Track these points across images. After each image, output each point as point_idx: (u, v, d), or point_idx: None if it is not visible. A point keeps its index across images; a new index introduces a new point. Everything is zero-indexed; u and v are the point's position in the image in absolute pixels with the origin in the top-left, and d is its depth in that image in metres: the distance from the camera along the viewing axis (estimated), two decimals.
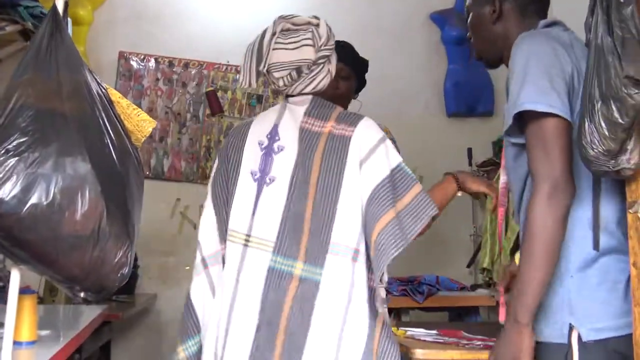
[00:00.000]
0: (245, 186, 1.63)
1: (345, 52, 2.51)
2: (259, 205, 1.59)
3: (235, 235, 1.60)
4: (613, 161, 1.25)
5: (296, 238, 1.54)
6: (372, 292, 1.55)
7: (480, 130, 4.11)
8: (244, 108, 3.84)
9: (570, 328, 1.38)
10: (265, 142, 1.66)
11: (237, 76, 1.57)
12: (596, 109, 1.23)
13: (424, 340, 1.89)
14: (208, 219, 1.69)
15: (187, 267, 3.65)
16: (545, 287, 1.38)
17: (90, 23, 3.74)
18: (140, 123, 1.45)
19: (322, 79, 1.66)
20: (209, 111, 3.73)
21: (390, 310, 3.02)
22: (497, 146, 3.91)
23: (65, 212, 1.27)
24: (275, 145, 1.64)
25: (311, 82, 1.65)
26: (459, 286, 3.21)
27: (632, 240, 1.30)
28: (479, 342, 1.80)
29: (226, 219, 1.64)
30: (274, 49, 1.64)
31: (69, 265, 1.34)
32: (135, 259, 3.52)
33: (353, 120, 1.62)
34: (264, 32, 1.67)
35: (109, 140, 1.34)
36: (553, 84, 1.37)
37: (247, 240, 1.58)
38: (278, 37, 1.65)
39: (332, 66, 1.69)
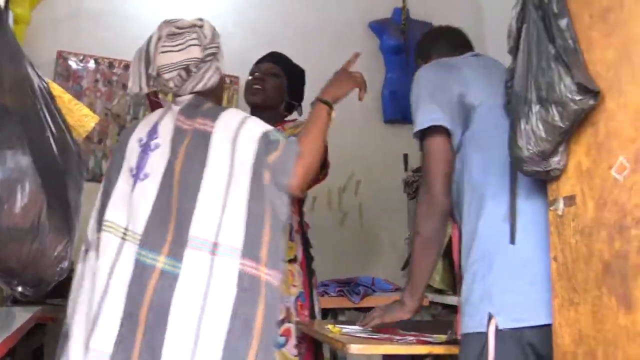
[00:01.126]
0: (124, 181, 1.68)
1: (273, 55, 2.64)
2: (133, 199, 1.64)
3: (114, 226, 1.63)
4: (545, 162, 1.35)
5: (162, 232, 1.58)
6: (247, 279, 1.54)
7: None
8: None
9: (489, 317, 1.48)
10: (144, 140, 1.72)
11: (129, 85, 1.64)
12: (533, 111, 1.31)
13: (359, 337, 1.94)
14: (94, 212, 1.74)
15: None
16: (426, 279, 1.71)
17: (28, 22, 3.64)
18: (82, 118, 1.46)
19: (211, 76, 1.75)
20: (149, 113, 3.70)
21: (327, 311, 3.09)
22: None
23: (5, 205, 1.27)
24: (152, 143, 1.70)
25: (200, 80, 1.73)
26: (394, 287, 3.29)
27: (552, 236, 1.39)
28: (412, 338, 1.86)
29: (104, 210, 1.67)
30: (161, 52, 1.71)
31: (7, 258, 1.34)
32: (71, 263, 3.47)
33: (215, 114, 1.68)
34: (150, 37, 1.75)
35: (50, 134, 1.34)
36: (434, 101, 1.66)
37: (124, 234, 1.62)
38: (165, 41, 1.73)
39: (221, 64, 1.77)
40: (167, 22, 1.78)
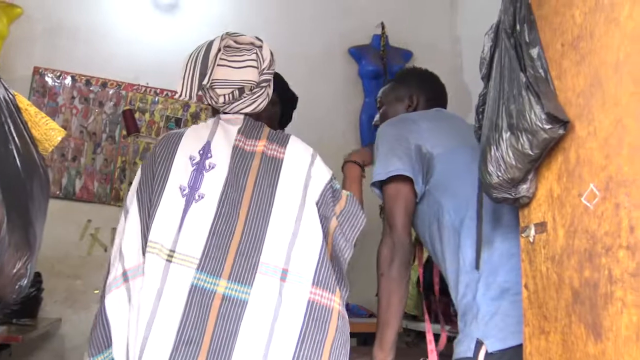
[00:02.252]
0: (172, 200, 1.59)
1: (275, 80, 2.56)
2: (186, 221, 1.56)
3: (158, 248, 1.54)
4: (514, 189, 1.35)
5: (221, 256, 1.53)
6: (318, 308, 1.52)
7: None
8: (161, 131, 3.81)
9: (478, 342, 1.51)
10: (197, 158, 1.65)
11: (178, 90, 1.58)
12: (504, 138, 1.31)
13: None
14: (133, 230, 1.61)
15: (96, 291, 3.54)
16: (397, 323, 1.72)
17: (5, 37, 3.61)
18: (48, 132, 1.43)
19: (262, 101, 1.74)
20: (125, 132, 3.67)
21: None
22: None
23: None
24: (207, 162, 1.64)
25: (252, 103, 1.72)
26: (368, 313, 3.27)
27: (524, 263, 1.38)
28: None
29: (146, 231, 1.58)
30: (218, 65, 1.68)
31: None
32: (40, 282, 3.39)
33: (282, 140, 1.70)
34: (209, 45, 1.70)
35: (13, 147, 1.30)
36: (394, 153, 1.77)
37: (170, 256, 1.53)
38: (222, 54, 1.68)
39: (271, 90, 1.76)
40: (228, 35, 1.75)
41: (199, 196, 1.59)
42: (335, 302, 1.55)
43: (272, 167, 1.64)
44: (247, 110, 1.73)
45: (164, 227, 1.56)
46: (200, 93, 1.70)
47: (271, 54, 1.76)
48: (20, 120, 1.38)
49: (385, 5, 4.39)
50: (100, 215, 3.68)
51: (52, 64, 3.71)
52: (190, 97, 1.65)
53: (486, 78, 1.44)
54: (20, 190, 1.35)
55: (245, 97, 1.70)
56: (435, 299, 3.16)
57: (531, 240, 1.34)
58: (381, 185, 1.80)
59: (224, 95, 1.69)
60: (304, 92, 4.02)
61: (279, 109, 2.50)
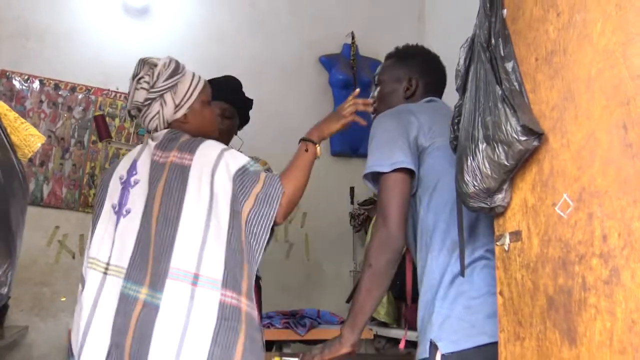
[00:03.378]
0: (106, 218, 1.76)
1: (231, 92, 2.59)
2: (117, 235, 1.71)
3: (97, 263, 1.71)
4: (490, 199, 1.38)
5: (144, 265, 1.63)
6: (229, 309, 1.58)
7: (362, 170, 4.25)
8: (131, 136, 3.79)
9: (432, 344, 1.55)
10: (125, 177, 1.79)
11: (124, 104, 1.89)
12: (480, 149, 1.34)
13: None
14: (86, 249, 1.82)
15: (64, 299, 3.50)
16: (370, 314, 1.70)
17: None
18: (27, 138, 1.42)
19: (152, 119, 1.84)
20: (94, 137, 3.64)
21: (271, 343, 3.05)
22: None
23: None
24: (132, 179, 1.77)
25: (144, 120, 1.84)
26: (339, 320, 3.28)
27: (498, 271, 1.41)
28: None
29: (87, 248, 1.76)
30: (135, 90, 1.84)
31: None
32: (10, 289, 3.33)
33: (193, 147, 1.74)
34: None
35: None
36: (397, 145, 1.71)
37: (106, 269, 1.69)
38: (136, 79, 1.85)
39: (166, 109, 1.83)
40: (141, 60, 1.87)
41: (126, 211, 1.73)
42: (242, 302, 1.62)
43: (179, 174, 1.69)
44: (148, 127, 1.85)
45: (100, 243, 1.73)
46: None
47: (163, 70, 1.83)
48: None
49: (356, 15, 4.45)
50: (69, 222, 3.64)
51: (19, 67, 3.66)
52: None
53: (461, 90, 1.47)
54: (0, 198, 1.34)
55: (139, 116, 1.84)
56: (408, 306, 3.21)
57: (506, 248, 1.38)
58: (374, 177, 1.76)
59: (135, 115, 1.86)
60: (275, 99, 4.06)
61: (237, 120, 2.58)
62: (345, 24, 4.39)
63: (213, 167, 1.69)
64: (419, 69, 1.97)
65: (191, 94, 1.86)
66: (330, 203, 4.15)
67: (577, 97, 1.20)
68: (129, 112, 1.87)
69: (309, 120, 4.20)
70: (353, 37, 4.36)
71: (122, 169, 1.83)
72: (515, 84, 1.33)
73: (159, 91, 1.80)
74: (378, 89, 2.02)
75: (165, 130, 1.82)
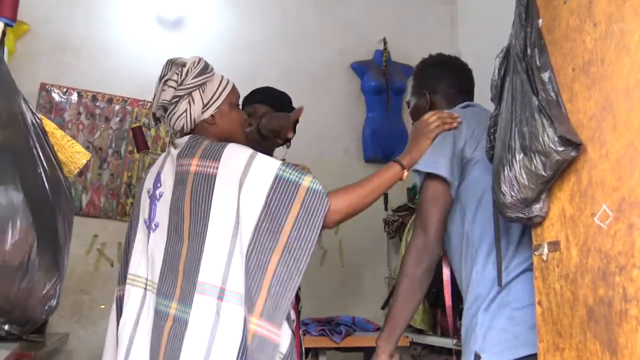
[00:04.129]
0: (142, 233, 1.74)
1: (267, 95, 2.53)
2: (149, 250, 1.69)
3: (137, 279, 1.71)
4: (527, 209, 1.38)
5: (173, 279, 1.61)
6: (253, 337, 1.49)
7: None
8: (167, 146, 3.84)
9: (476, 355, 1.55)
10: (151, 190, 1.76)
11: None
12: (517, 159, 1.34)
13: None
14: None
15: (103, 306, 3.56)
16: (406, 323, 1.70)
17: (12, 53, 3.66)
18: (73, 155, 1.46)
19: (179, 117, 1.75)
20: (131, 147, 3.70)
21: (307, 350, 3.07)
22: (412, 192, 4.06)
23: None
24: (157, 192, 1.73)
25: (170, 120, 1.77)
26: (375, 327, 3.29)
27: (537, 281, 1.41)
28: None
29: (126, 264, 1.75)
30: (162, 91, 1.78)
31: None
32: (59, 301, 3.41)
33: (216, 153, 1.63)
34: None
35: (42, 171, 1.34)
36: (442, 151, 1.72)
37: (146, 285, 1.69)
38: (162, 80, 1.79)
39: (194, 107, 1.75)
40: (168, 61, 1.82)
41: (155, 225, 1.70)
42: (251, 322, 1.50)
43: (205, 184, 1.60)
44: (174, 129, 1.79)
45: (140, 259, 1.72)
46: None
47: (191, 68, 1.76)
48: (47, 143, 1.41)
49: (387, 21, 4.45)
50: (107, 230, 3.71)
51: (58, 80, 3.74)
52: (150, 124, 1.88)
53: (497, 100, 1.48)
54: (49, 214, 1.39)
55: (165, 117, 1.78)
56: (445, 313, 3.20)
57: (544, 258, 1.37)
58: (422, 178, 1.76)
59: (160, 117, 1.81)
60: (308, 107, 4.06)
61: None
62: (376, 30, 4.40)
63: (242, 173, 1.58)
64: (430, 80, 2.01)
65: (220, 94, 1.79)
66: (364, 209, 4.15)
67: (616, 107, 1.20)
68: (153, 114, 1.81)
69: (343, 126, 4.29)
70: (385, 43, 4.37)
71: (149, 181, 1.80)
72: (552, 94, 1.33)
73: (188, 88, 1.73)
74: (411, 105, 2.08)
75: (187, 137, 1.74)
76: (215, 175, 1.59)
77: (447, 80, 2.00)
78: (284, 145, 2.59)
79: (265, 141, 2.33)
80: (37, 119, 1.43)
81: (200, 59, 1.80)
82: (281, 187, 1.55)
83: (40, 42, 3.75)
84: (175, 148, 1.75)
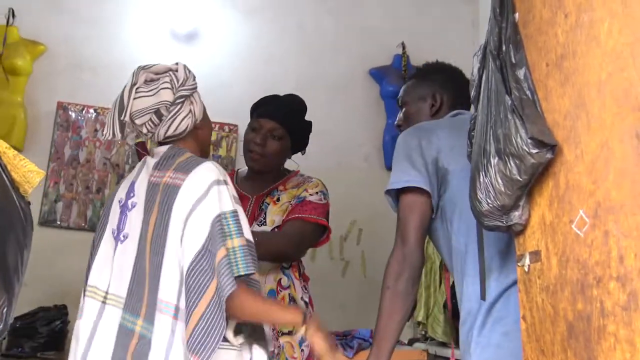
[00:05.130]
0: (106, 244, 1.67)
1: (283, 112, 2.37)
2: (115, 262, 1.62)
3: (95, 291, 1.63)
4: (506, 216, 1.29)
5: (140, 294, 1.54)
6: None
7: None
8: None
9: None
10: (123, 200, 1.69)
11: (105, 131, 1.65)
12: (492, 164, 1.25)
13: None
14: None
15: None
16: (394, 338, 1.61)
17: (29, 74, 3.72)
18: (27, 174, 1.43)
19: (183, 118, 1.69)
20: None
21: None
22: None
23: None
24: (130, 202, 1.66)
25: (172, 123, 1.67)
26: None
27: (521, 293, 1.32)
28: None
29: (86, 276, 1.69)
30: (134, 98, 1.67)
31: None
32: (65, 314, 3.41)
33: (190, 167, 1.59)
34: (126, 84, 1.71)
35: None
36: (411, 163, 1.67)
37: (105, 297, 1.60)
38: (140, 87, 1.68)
39: (196, 106, 1.72)
40: (142, 68, 1.74)
41: (123, 236, 1.64)
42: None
43: (170, 196, 1.56)
44: (170, 132, 1.68)
45: (100, 271, 1.64)
46: (128, 130, 1.72)
47: (187, 72, 1.73)
48: None
49: (406, 25, 4.36)
50: None
51: (75, 98, 3.78)
52: (114, 134, 1.66)
53: (475, 101, 1.39)
54: None
55: (164, 119, 1.67)
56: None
57: (526, 269, 1.28)
58: (397, 195, 1.70)
59: (144, 124, 1.67)
60: (326, 116, 4.02)
61: (288, 142, 2.37)
62: (395, 34, 4.30)
63: (199, 197, 1.54)
64: (440, 84, 1.93)
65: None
66: (386, 219, 4.03)
67: (589, 103, 1.10)
68: (121, 122, 1.67)
69: (360, 134, 4.22)
70: (404, 48, 4.28)
71: (121, 191, 1.73)
72: (528, 92, 1.24)
73: (192, 89, 1.70)
74: (403, 110, 2.00)
75: (166, 147, 1.69)
76: (180, 188, 1.56)
77: (456, 88, 1.95)
78: (300, 152, 2.50)
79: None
80: None
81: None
82: (219, 228, 1.52)
83: (57, 62, 3.80)
84: (152, 157, 1.71)
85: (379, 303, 1.65)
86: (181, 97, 1.68)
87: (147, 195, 1.62)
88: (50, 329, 3.27)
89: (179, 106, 1.68)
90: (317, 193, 2.31)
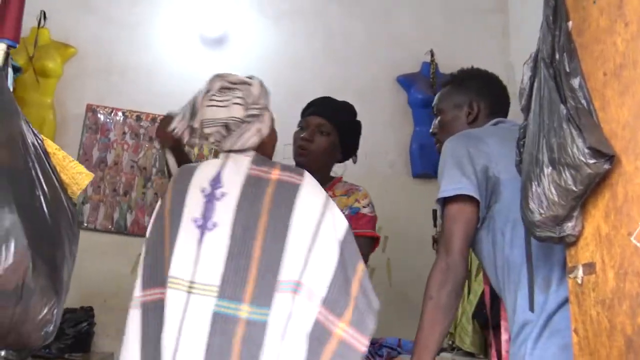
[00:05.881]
0: (187, 233, 1.62)
1: (324, 107, 2.46)
2: (202, 251, 1.58)
3: (178, 282, 1.56)
4: (559, 227, 1.26)
5: (241, 281, 1.52)
6: (320, 330, 1.48)
7: None
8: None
9: None
10: (208, 189, 1.67)
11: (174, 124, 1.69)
12: (545, 173, 1.23)
13: None
14: (142, 261, 1.72)
15: None
16: (436, 349, 1.58)
17: (60, 76, 3.74)
18: (76, 176, 1.43)
19: (251, 136, 1.71)
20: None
21: None
22: None
23: None
24: (218, 192, 1.65)
25: (239, 139, 1.70)
26: None
27: (573, 306, 1.29)
28: None
29: (163, 266, 1.61)
30: (207, 106, 1.69)
31: None
32: (92, 316, 3.43)
33: (298, 170, 1.68)
34: (200, 89, 1.73)
35: (40, 193, 1.30)
36: (461, 171, 1.63)
37: (190, 287, 1.55)
38: (214, 95, 1.70)
39: (265, 125, 1.73)
40: (218, 76, 1.77)
41: (212, 225, 1.61)
42: (339, 327, 1.50)
43: (289, 190, 1.62)
44: (237, 146, 1.72)
45: (182, 261, 1.59)
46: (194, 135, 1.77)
47: (261, 88, 1.76)
48: (48, 164, 1.39)
49: (435, 33, 4.34)
50: None
51: (103, 101, 3.80)
52: (183, 134, 1.71)
53: (526, 110, 1.37)
54: (47, 236, 1.35)
55: (232, 134, 1.70)
56: (491, 334, 3.04)
57: (579, 281, 1.25)
58: (444, 202, 1.67)
59: (212, 134, 1.72)
60: None
61: (337, 138, 2.41)
62: (424, 42, 4.28)
63: (321, 215, 1.60)
64: (477, 91, 1.91)
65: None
66: (412, 226, 4.03)
67: None
68: (193, 129, 1.74)
69: (387, 141, 4.20)
70: (432, 55, 4.25)
71: (201, 180, 1.70)
72: (583, 101, 1.21)
73: (263, 107, 1.73)
74: (439, 118, 1.97)
75: (253, 152, 1.74)
76: (300, 185, 1.63)
77: (492, 95, 1.92)
78: (351, 159, 2.54)
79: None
80: (39, 140, 1.40)
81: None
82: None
83: (87, 65, 3.82)
84: (237, 155, 1.74)
85: (421, 313, 1.62)
86: (251, 115, 1.72)
87: (247, 187, 1.65)
88: (76, 331, 3.29)
89: (247, 124, 1.72)
90: (368, 205, 2.38)
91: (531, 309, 1.44)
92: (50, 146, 1.42)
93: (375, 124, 4.16)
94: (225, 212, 1.62)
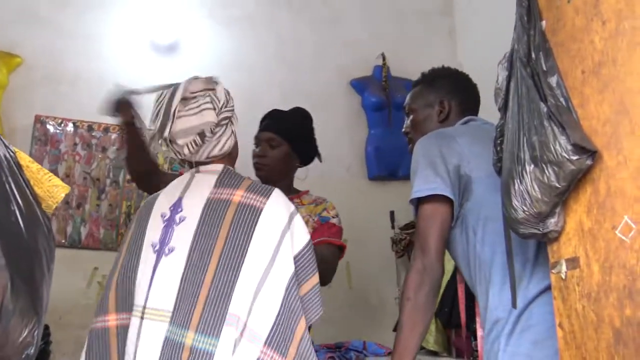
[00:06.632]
0: (146, 258, 1.62)
1: (271, 120, 2.52)
2: (156, 276, 1.58)
3: (136, 309, 1.58)
4: (542, 224, 1.28)
5: (189, 307, 1.50)
6: None
7: (402, 194, 4.11)
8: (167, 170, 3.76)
9: None
10: (168, 214, 1.65)
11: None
12: (527, 171, 1.25)
13: None
14: (107, 285, 1.73)
15: None
16: (415, 350, 1.58)
17: (5, 86, 3.60)
18: (51, 189, 1.37)
19: (227, 140, 1.70)
20: (129, 176, 3.62)
21: None
22: None
23: None
24: (177, 217, 1.63)
25: (216, 144, 1.69)
26: (387, 351, 3.17)
27: (556, 301, 1.31)
28: None
29: (130, 294, 1.62)
30: (177, 118, 1.64)
31: None
32: (48, 334, 3.31)
33: (265, 191, 1.63)
34: (172, 96, 1.67)
35: (16, 207, 1.24)
36: (434, 170, 1.63)
37: (143, 313, 1.55)
38: (179, 106, 1.65)
39: (235, 128, 1.74)
40: (181, 86, 1.72)
41: (168, 250, 1.60)
42: None
43: (249, 215, 1.58)
44: (215, 152, 1.70)
45: (140, 286, 1.60)
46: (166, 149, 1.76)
47: (227, 92, 1.74)
48: (22, 178, 1.32)
49: (385, 36, 4.38)
50: (107, 262, 3.54)
51: (53, 111, 3.67)
52: (154, 148, 1.74)
53: (503, 109, 1.39)
54: (24, 253, 1.29)
55: (207, 140, 1.68)
56: (460, 332, 3.08)
57: (563, 276, 1.27)
58: (418, 203, 1.67)
59: (186, 144, 1.67)
60: None
61: (288, 148, 2.45)
62: (374, 45, 4.32)
63: (278, 243, 1.58)
64: (448, 89, 1.92)
65: None
66: (370, 229, 4.05)
67: (632, 110, 1.10)
68: (165, 139, 1.68)
69: (342, 145, 4.21)
70: (384, 59, 4.29)
71: (162, 205, 1.70)
72: (562, 99, 1.24)
73: (232, 110, 1.72)
74: (411, 117, 1.98)
75: (219, 165, 1.71)
76: (262, 209, 1.59)
77: (463, 93, 1.94)
78: (317, 159, 2.65)
79: None
80: (11, 153, 1.34)
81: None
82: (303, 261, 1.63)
83: (34, 74, 3.69)
84: (204, 174, 1.71)
85: (400, 315, 1.62)
86: (225, 118, 1.70)
87: (207, 211, 1.61)
88: None
89: (223, 127, 1.70)
90: (337, 216, 2.43)
91: (514, 305, 1.46)
92: (23, 159, 1.36)
93: (330, 128, 4.16)
94: (183, 236, 1.60)
